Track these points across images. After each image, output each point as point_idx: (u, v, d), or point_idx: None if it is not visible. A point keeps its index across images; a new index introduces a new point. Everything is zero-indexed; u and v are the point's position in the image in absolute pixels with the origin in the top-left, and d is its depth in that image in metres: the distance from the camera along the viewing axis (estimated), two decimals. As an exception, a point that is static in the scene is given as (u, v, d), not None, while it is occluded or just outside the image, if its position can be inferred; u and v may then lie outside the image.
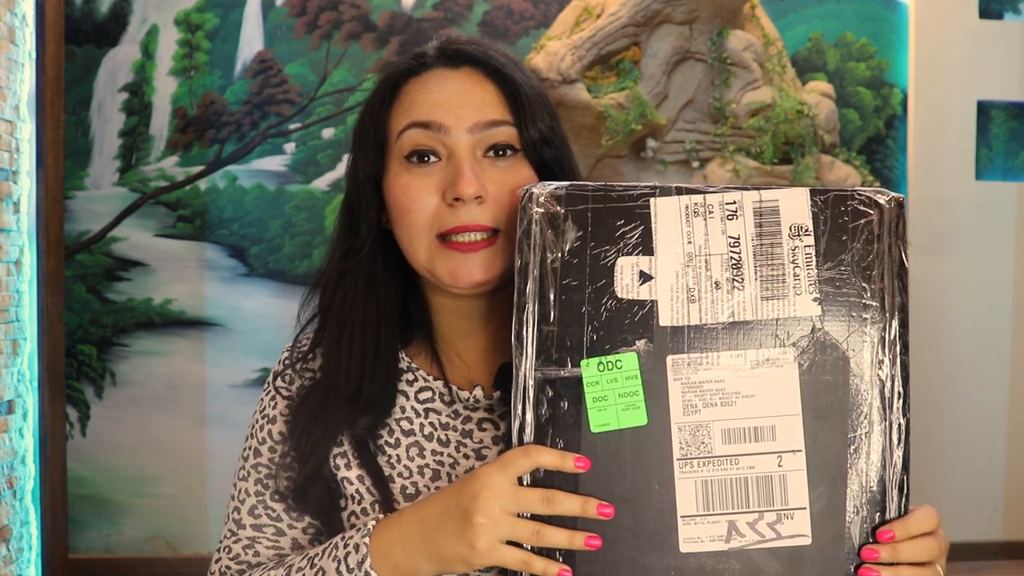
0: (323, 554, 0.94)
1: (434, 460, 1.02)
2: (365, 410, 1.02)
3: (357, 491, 1.02)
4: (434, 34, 1.08)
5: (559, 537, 0.83)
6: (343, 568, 0.92)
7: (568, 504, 0.83)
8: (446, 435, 1.02)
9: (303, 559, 0.97)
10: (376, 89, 1.03)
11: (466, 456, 1.01)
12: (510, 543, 0.84)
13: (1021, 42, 4.28)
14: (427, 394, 1.04)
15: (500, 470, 0.84)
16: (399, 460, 1.02)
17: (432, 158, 0.98)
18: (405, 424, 1.03)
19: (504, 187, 0.97)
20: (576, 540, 0.83)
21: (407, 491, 1.00)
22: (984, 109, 4.28)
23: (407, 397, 1.04)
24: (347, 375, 1.02)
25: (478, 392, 1.03)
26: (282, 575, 0.97)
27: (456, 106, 0.98)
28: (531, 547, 0.84)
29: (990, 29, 4.25)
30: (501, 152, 0.98)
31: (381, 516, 0.95)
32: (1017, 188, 4.32)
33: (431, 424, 1.03)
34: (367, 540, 0.91)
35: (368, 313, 1.03)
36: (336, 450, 1.02)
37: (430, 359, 1.06)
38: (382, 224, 1.04)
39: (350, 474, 1.02)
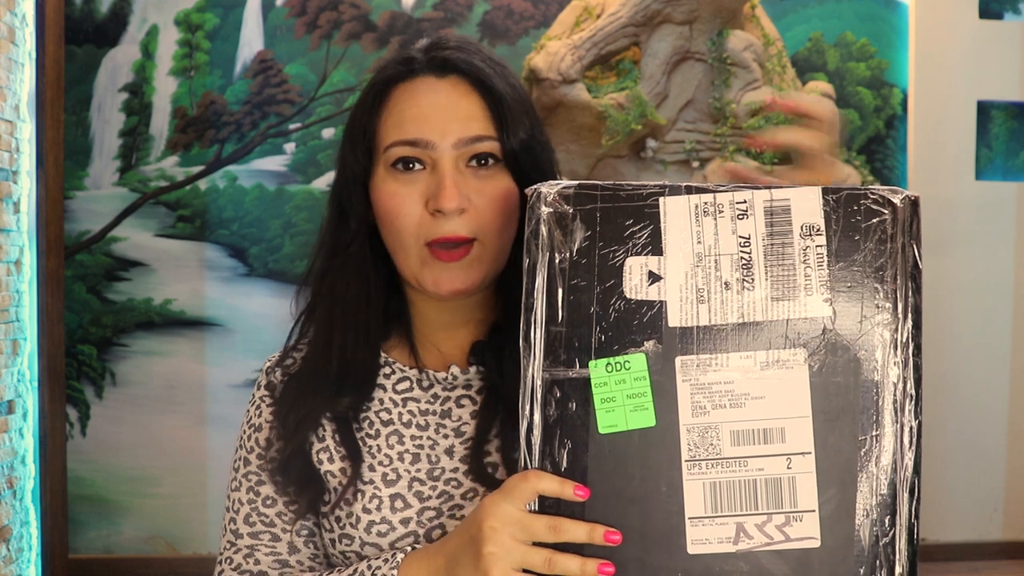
0: None
1: (413, 444, 1.04)
2: (347, 391, 1.05)
3: (340, 483, 1.04)
4: (434, 34, 1.10)
5: (571, 564, 0.82)
6: None
7: (575, 531, 0.82)
8: (425, 420, 1.05)
9: None
10: (366, 91, 1.06)
11: (445, 436, 1.04)
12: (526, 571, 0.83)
13: (1021, 42, 4.28)
14: (405, 384, 1.07)
15: (503, 497, 0.84)
16: (379, 450, 1.04)
17: (417, 165, 1.01)
18: (384, 415, 1.06)
19: (485, 196, 1.00)
20: (588, 568, 0.82)
21: (388, 477, 1.03)
22: (984, 109, 4.27)
23: (384, 389, 1.07)
24: (335, 363, 1.05)
25: (455, 370, 1.06)
26: None
27: (442, 121, 1.00)
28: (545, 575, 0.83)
29: (990, 29, 4.25)
30: (483, 161, 1.01)
31: (409, 549, 0.96)
32: (1017, 188, 4.31)
33: (409, 412, 1.06)
34: (395, 572, 0.92)
35: (359, 308, 1.06)
36: (318, 445, 1.05)
37: (407, 352, 1.09)
38: (369, 220, 1.06)
39: (333, 467, 1.05)
